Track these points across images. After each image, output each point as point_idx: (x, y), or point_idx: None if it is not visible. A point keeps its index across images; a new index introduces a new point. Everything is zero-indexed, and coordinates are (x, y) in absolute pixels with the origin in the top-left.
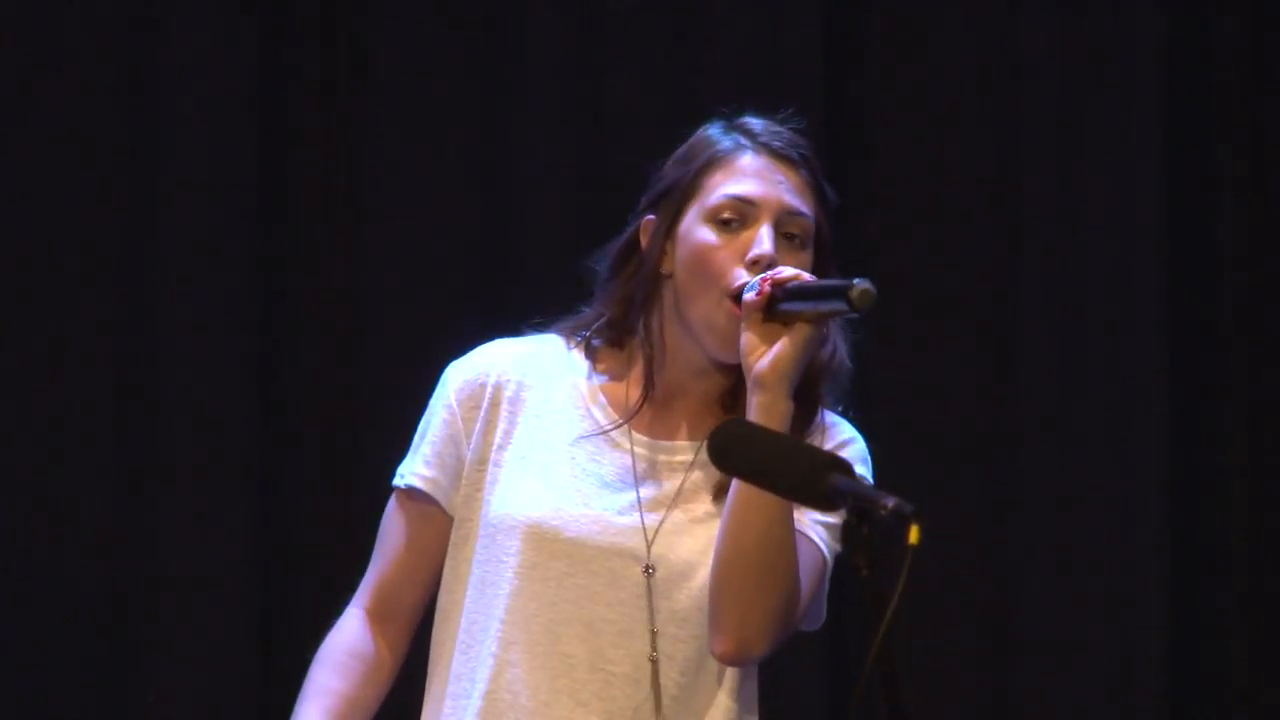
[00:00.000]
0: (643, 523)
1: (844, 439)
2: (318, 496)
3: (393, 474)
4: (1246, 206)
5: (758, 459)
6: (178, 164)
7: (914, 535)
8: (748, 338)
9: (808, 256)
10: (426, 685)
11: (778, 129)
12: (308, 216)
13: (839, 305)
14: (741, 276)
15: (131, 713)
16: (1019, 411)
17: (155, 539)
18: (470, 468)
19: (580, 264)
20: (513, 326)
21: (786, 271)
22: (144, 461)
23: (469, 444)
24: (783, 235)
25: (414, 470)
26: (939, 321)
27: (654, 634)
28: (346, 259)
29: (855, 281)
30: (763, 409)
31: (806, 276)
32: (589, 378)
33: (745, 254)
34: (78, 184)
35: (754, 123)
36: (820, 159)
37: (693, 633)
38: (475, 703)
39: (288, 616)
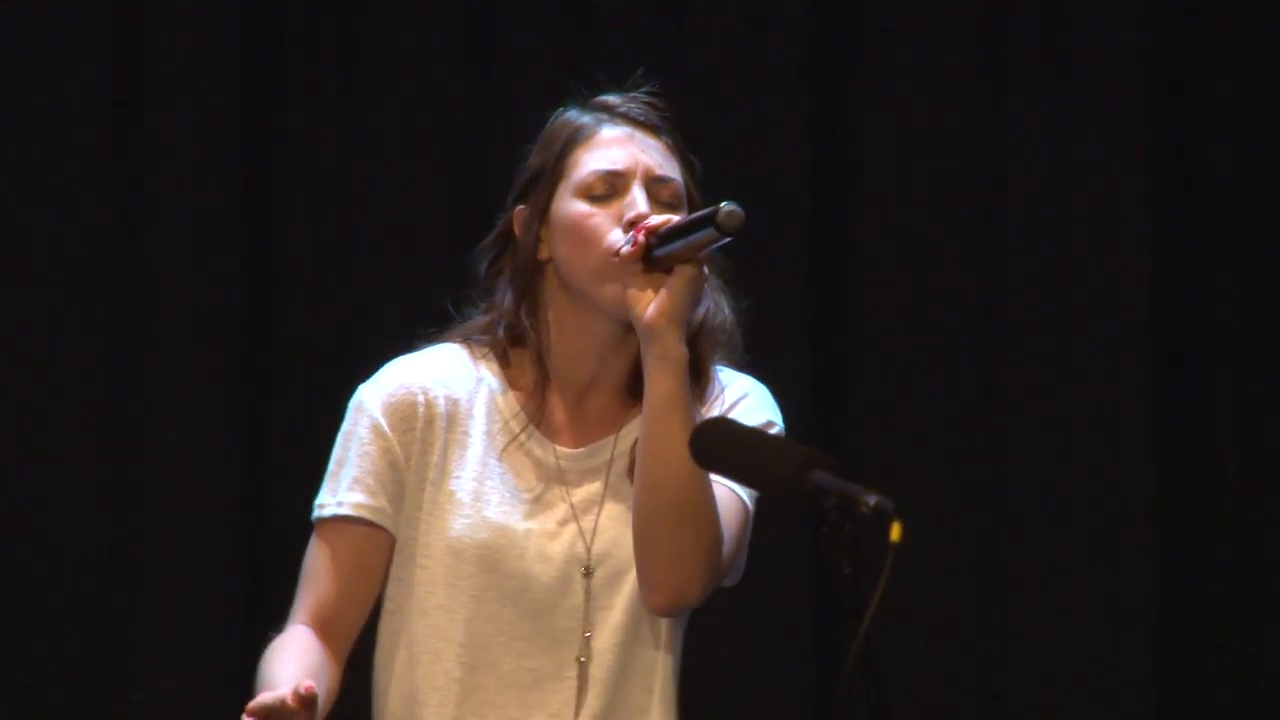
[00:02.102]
0: (579, 528)
1: (742, 394)
2: (305, 498)
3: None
4: (1235, 204)
5: (738, 457)
6: (164, 170)
7: (896, 532)
8: (631, 293)
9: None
10: (375, 710)
11: (636, 97)
12: (294, 220)
13: (710, 233)
14: (620, 238)
15: (116, 712)
16: (1005, 412)
17: (141, 539)
18: (412, 489)
19: (462, 264)
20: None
21: (655, 219)
22: (130, 462)
23: (409, 465)
24: (653, 201)
25: (349, 499)
26: (925, 320)
27: (586, 638)
28: (333, 261)
29: (721, 205)
30: (658, 357)
31: (675, 219)
32: (503, 389)
33: (621, 218)
34: (64, 190)
35: (610, 97)
36: (804, 161)
37: (628, 629)
38: None
39: (274, 617)
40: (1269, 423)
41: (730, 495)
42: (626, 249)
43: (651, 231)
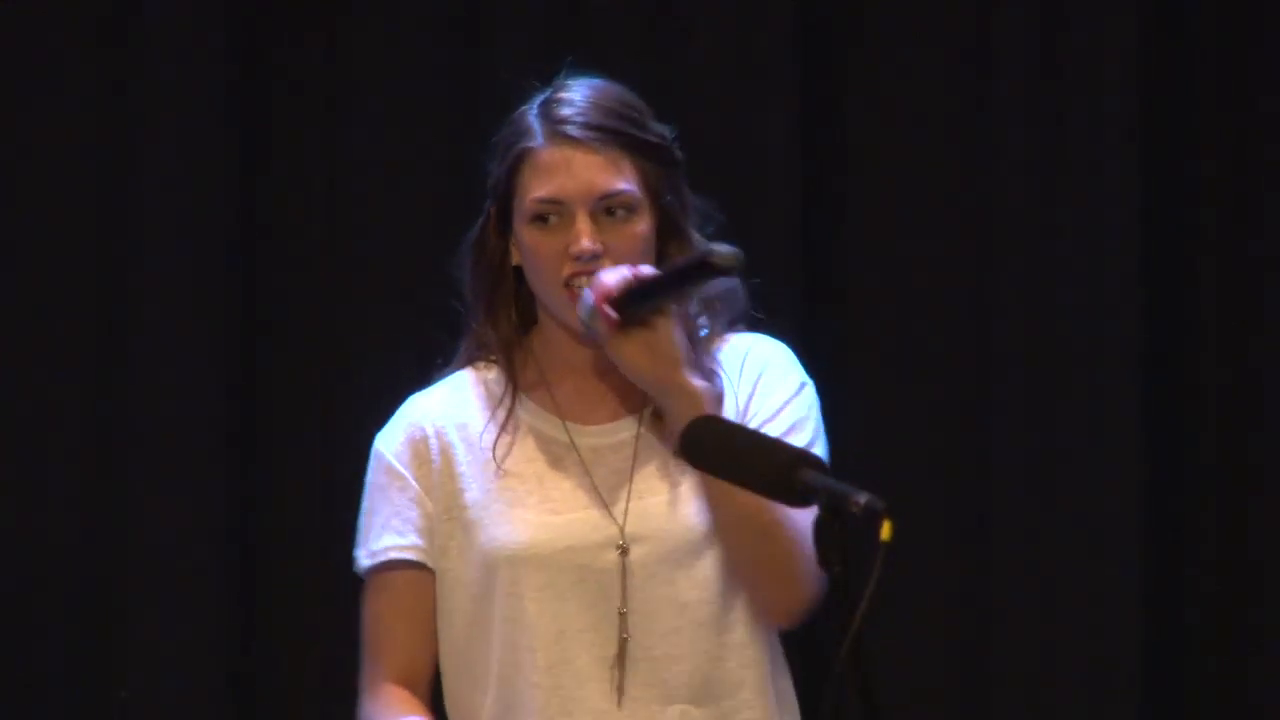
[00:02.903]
0: (609, 509)
1: (765, 362)
2: (296, 497)
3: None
4: (1225, 202)
5: (729, 457)
6: (154, 165)
7: (886, 531)
8: (620, 360)
9: (639, 222)
10: None
11: (577, 105)
12: (283, 218)
13: (705, 278)
14: (567, 268)
15: (105, 709)
16: (993, 412)
17: (129, 536)
18: (439, 522)
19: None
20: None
21: (610, 279)
22: (119, 460)
23: (431, 499)
24: (605, 214)
25: (387, 545)
26: (915, 320)
27: (622, 614)
28: (323, 259)
29: (715, 248)
30: (678, 413)
31: (644, 271)
32: (508, 391)
33: (567, 249)
34: (55, 185)
35: (557, 102)
36: (793, 146)
37: (669, 597)
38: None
39: (263, 614)
40: (1255, 417)
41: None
42: (599, 324)
43: (616, 299)
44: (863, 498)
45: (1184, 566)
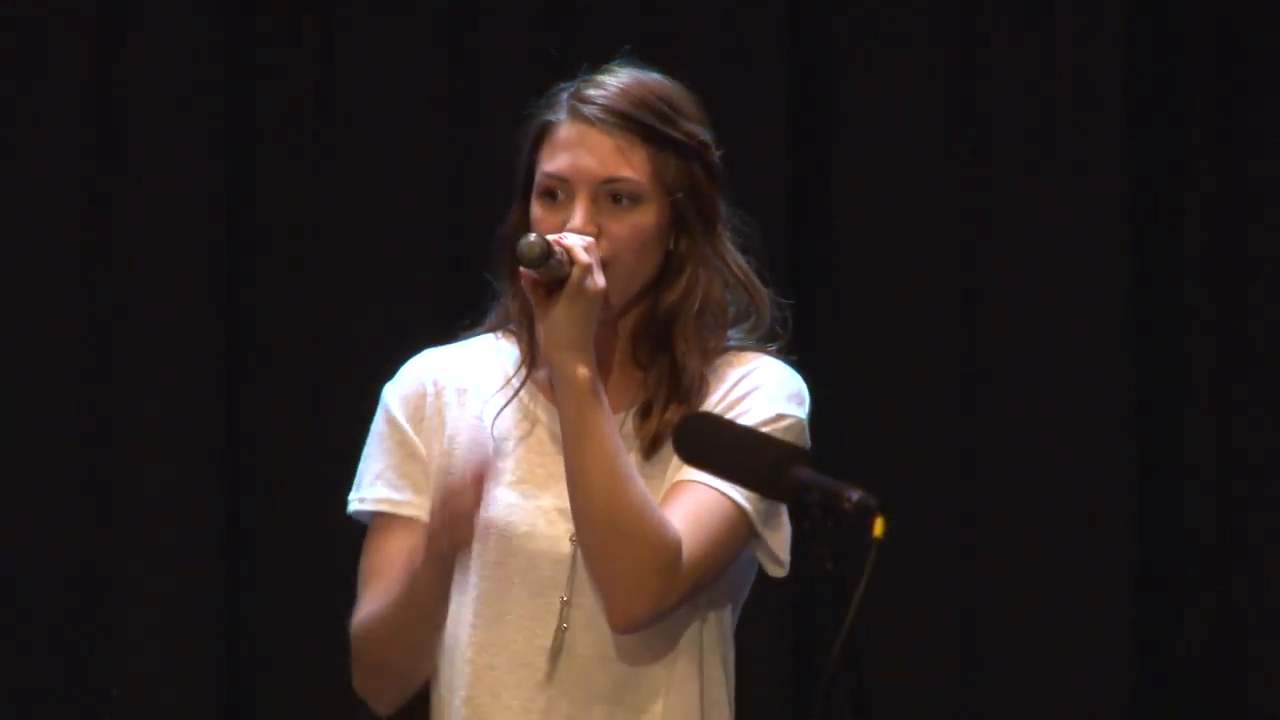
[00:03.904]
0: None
1: (753, 386)
2: (286, 496)
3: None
4: (1212, 199)
5: (720, 452)
6: (144, 165)
7: (879, 528)
8: (540, 324)
9: (642, 213)
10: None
11: (606, 89)
12: (273, 223)
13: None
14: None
15: (96, 708)
16: (988, 410)
17: (120, 535)
18: (434, 477)
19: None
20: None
21: (571, 241)
22: (110, 461)
23: (428, 454)
24: (610, 200)
25: (372, 495)
26: (907, 315)
27: (563, 602)
28: (313, 264)
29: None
30: (557, 387)
31: (564, 242)
32: (518, 366)
33: (566, 226)
34: (44, 186)
35: (583, 85)
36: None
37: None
38: (460, 710)
39: (252, 612)
40: (1242, 412)
41: (712, 497)
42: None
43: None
44: (855, 494)
45: (1180, 563)
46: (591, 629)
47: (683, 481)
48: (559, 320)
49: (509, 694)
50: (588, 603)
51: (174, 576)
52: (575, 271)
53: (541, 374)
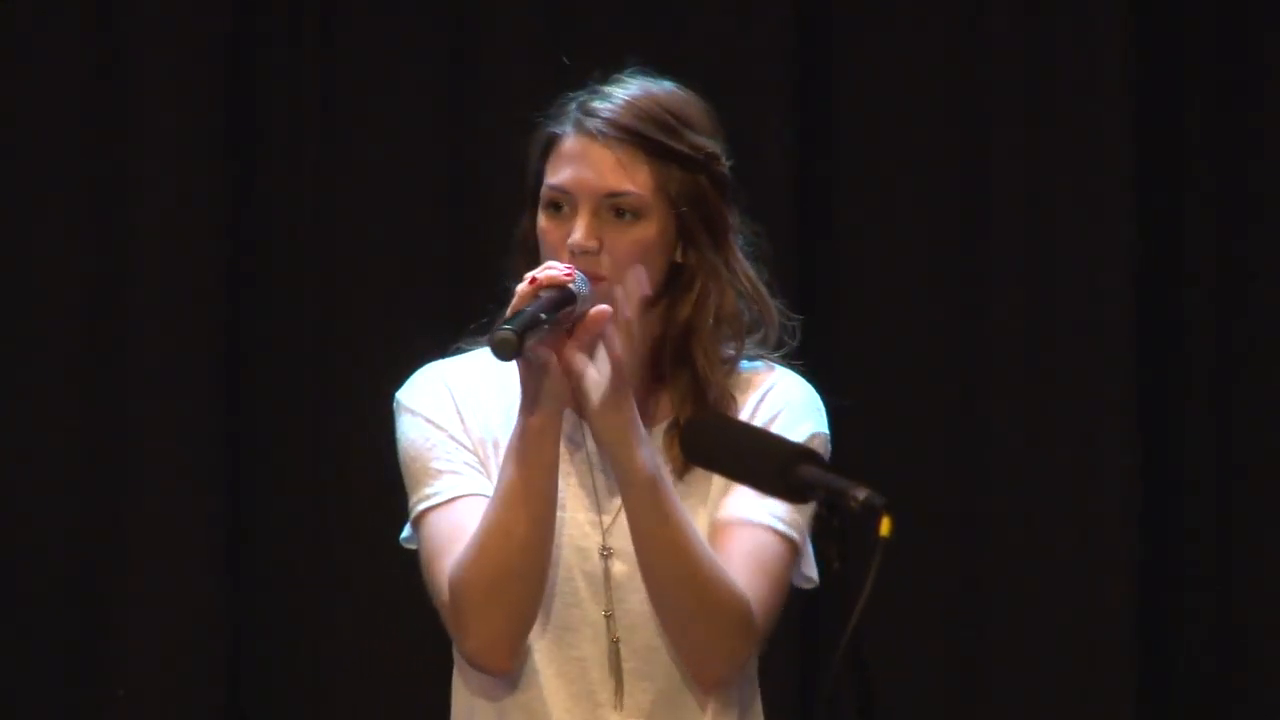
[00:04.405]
0: (599, 515)
1: (779, 407)
2: (288, 495)
3: (358, 490)
4: (1215, 183)
5: (726, 452)
6: (148, 164)
7: (885, 527)
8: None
9: (644, 227)
10: (453, 696)
11: (613, 101)
12: (274, 223)
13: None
14: (565, 259)
15: (101, 708)
16: (989, 401)
17: (124, 534)
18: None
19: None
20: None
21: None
22: (112, 460)
23: (469, 439)
24: (613, 214)
25: (443, 485)
26: (908, 308)
27: (607, 617)
28: (314, 264)
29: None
30: (620, 481)
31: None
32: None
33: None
34: (47, 184)
35: (589, 96)
36: (786, 136)
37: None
38: (511, 715)
39: (257, 612)
40: (1246, 406)
41: (769, 540)
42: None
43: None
44: (862, 493)
45: (1180, 562)
46: (630, 644)
47: (736, 524)
48: (603, 416)
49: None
50: (625, 619)
51: (176, 577)
52: (599, 369)
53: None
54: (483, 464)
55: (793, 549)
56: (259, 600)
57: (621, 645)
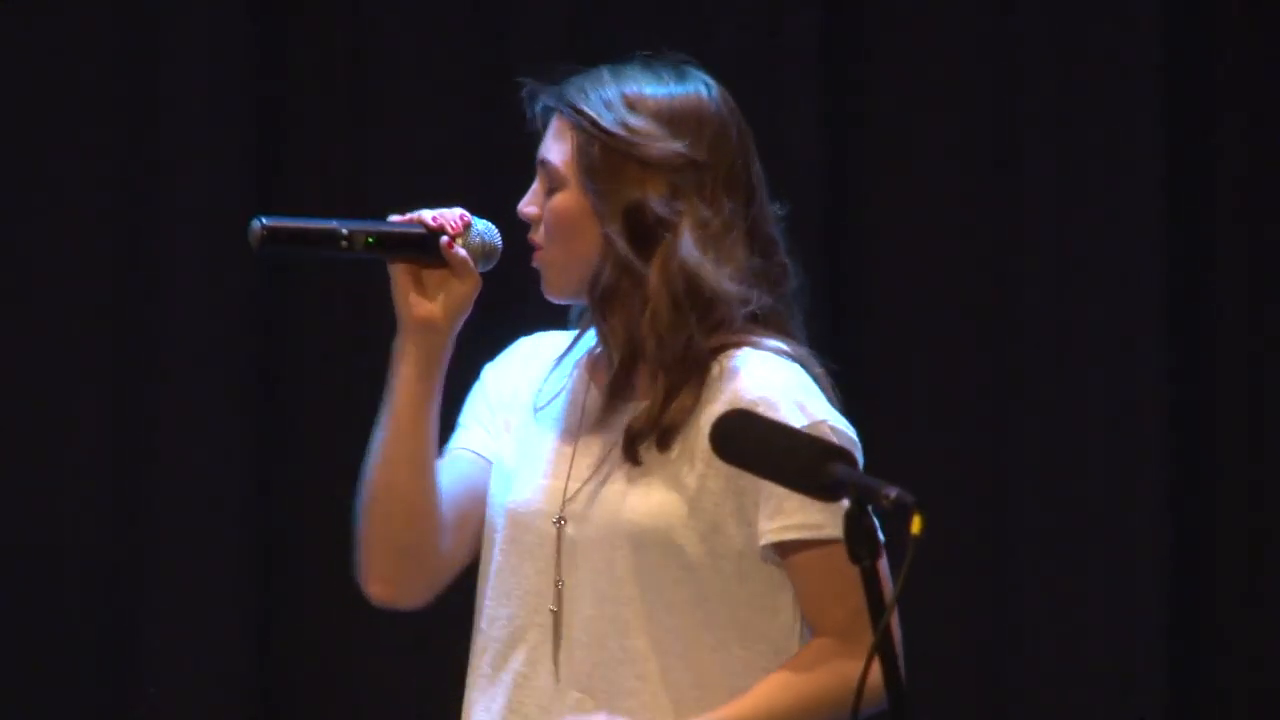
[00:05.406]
0: (566, 482)
1: (756, 399)
2: (316, 494)
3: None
4: (1246, 181)
5: (757, 449)
6: (177, 158)
7: (916, 525)
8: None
9: (561, 197)
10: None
11: (582, 78)
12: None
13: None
14: None
15: (133, 707)
16: (1018, 399)
17: (154, 533)
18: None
19: None
20: (518, 310)
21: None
22: (141, 460)
23: (506, 402)
24: (545, 182)
25: (451, 444)
26: (936, 306)
27: (557, 585)
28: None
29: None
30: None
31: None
32: (588, 349)
33: None
34: (76, 176)
35: (579, 72)
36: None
37: (602, 590)
38: (505, 677)
39: (286, 611)
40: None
41: (834, 555)
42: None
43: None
44: (894, 491)
45: (1211, 565)
46: (576, 613)
47: (799, 547)
48: (400, 342)
49: (504, 670)
50: (573, 588)
51: (206, 578)
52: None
53: (599, 356)
54: (505, 427)
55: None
56: (291, 598)
57: (564, 614)
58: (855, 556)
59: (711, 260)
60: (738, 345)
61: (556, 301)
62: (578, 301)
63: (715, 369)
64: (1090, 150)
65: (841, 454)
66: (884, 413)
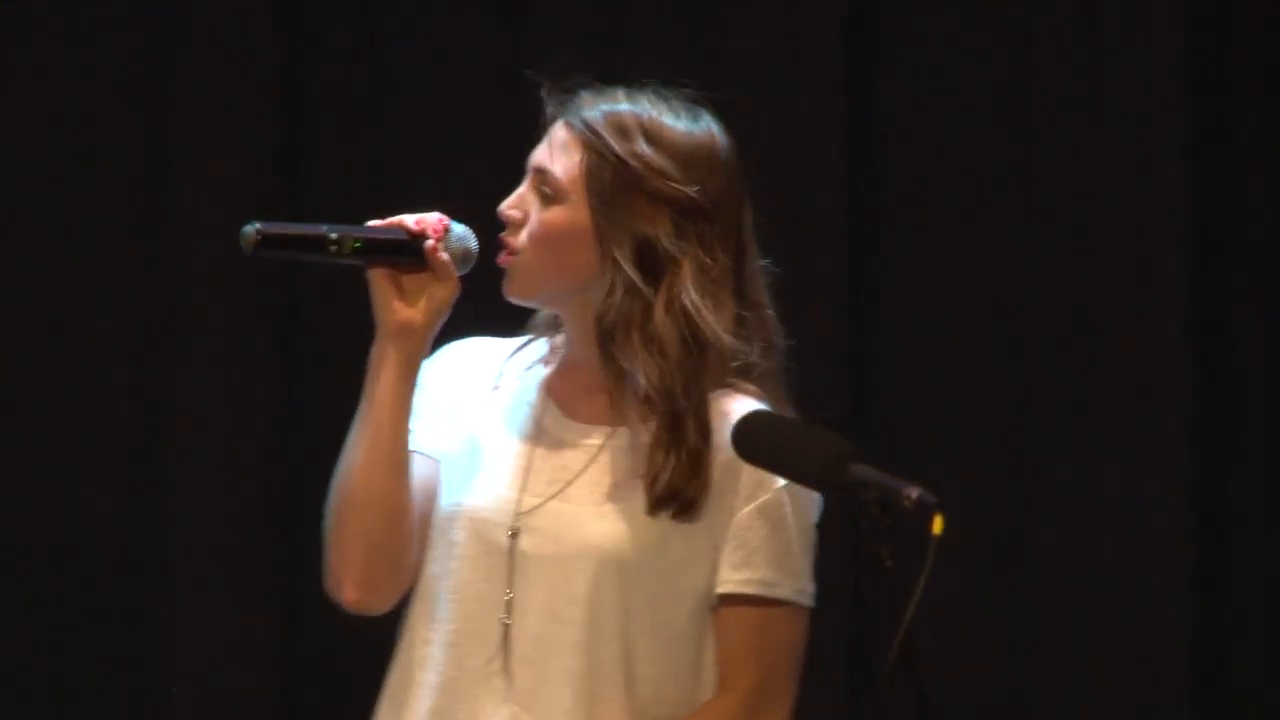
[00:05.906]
0: (520, 495)
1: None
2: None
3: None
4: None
5: (777, 448)
6: (197, 152)
7: (937, 525)
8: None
9: (557, 212)
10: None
11: (594, 95)
12: (323, 213)
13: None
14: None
15: (154, 707)
16: (1036, 402)
17: (175, 533)
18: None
19: None
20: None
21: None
22: (164, 458)
23: (448, 404)
24: (539, 190)
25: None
26: (955, 310)
27: (508, 600)
28: None
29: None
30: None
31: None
32: (548, 365)
33: None
34: (95, 177)
35: (593, 89)
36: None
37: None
38: (437, 681)
39: (309, 610)
40: None
41: (780, 616)
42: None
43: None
44: (915, 491)
45: (1231, 568)
46: (525, 628)
47: (744, 601)
48: (378, 345)
49: (432, 674)
50: (523, 603)
51: (229, 577)
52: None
53: (556, 372)
54: (450, 425)
55: (806, 614)
56: (313, 597)
57: (513, 629)
58: (876, 556)
59: (709, 307)
60: (730, 392)
61: (518, 303)
62: (542, 307)
63: (714, 415)
64: (1107, 151)
65: (860, 453)
66: (902, 412)
